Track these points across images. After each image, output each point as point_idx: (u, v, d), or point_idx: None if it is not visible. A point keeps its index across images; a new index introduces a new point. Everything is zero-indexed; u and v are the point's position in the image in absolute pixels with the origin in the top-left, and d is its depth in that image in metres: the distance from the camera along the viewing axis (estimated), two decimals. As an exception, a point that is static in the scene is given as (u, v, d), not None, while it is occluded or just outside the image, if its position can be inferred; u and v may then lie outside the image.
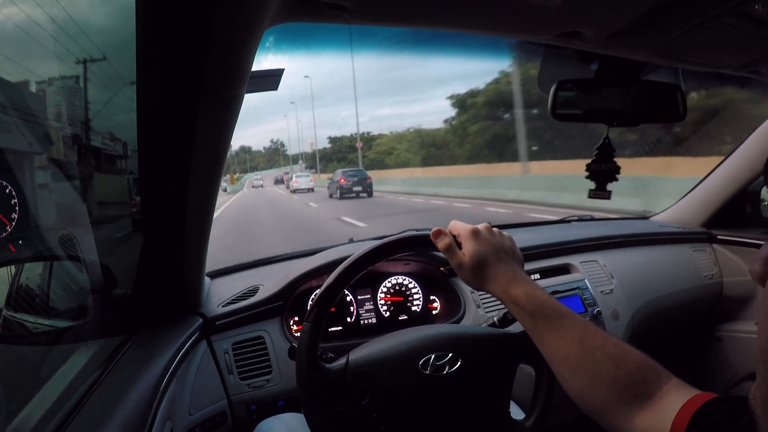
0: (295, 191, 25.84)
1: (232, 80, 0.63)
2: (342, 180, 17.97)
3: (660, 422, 0.50)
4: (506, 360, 0.78)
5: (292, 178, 28.80)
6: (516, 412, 0.96)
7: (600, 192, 0.87)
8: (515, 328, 0.84)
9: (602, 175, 0.86)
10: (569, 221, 2.05)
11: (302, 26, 0.65)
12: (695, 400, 0.49)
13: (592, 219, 2.12)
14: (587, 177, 0.88)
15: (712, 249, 1.74)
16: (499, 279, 0.66)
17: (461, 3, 0.58)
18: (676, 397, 0.51)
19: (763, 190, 1.70)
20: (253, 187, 44.81)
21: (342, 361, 0.75)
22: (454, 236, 0.72)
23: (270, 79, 1.00)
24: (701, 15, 0.61)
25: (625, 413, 0.54)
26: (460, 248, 0.70)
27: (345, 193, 17.47)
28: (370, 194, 17.71)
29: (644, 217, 2.06)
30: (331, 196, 18.83)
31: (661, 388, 0.54)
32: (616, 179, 0.86)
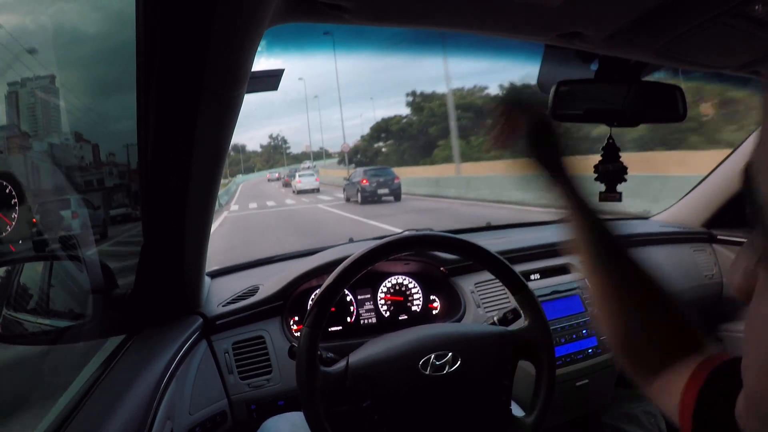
0: (299, 192, 22.74)
1: (232, 80, 0.63)
2: (364, 181, 14.63)
3: (674, 381, 0.48)
4: (506, 357, 0.78)
5: (295, 178, 25.34)
6: (516, 412, 0.96)
7: (611, 194, 0.86)
8: (515, 327, 0.85)
9: (611, 175, 0.86)
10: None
11: (302, 26, 0.65)
12: (707, 362, 0.47)
13: None
14: (596, 179, 0.86)
15: (712, 249, 1.74)
16: (561, 170, 0.61)
17: (461, 3, 0.59)
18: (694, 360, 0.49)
19: None
20: (268, 180, 34.52)
21: (342, 364, 0.75)
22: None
23: (270, 79, 1.00)
24: (701, 15, 0.61)
25: (651, 366, 0.52)
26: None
27: (368, 197, 14.28)
28: (397, 197, 14.53)
29: (644, 217, 2.06)
30: (348, 200, 15.60)
31: (691, 354, 0.51)
32: (625, 180, 0.86)
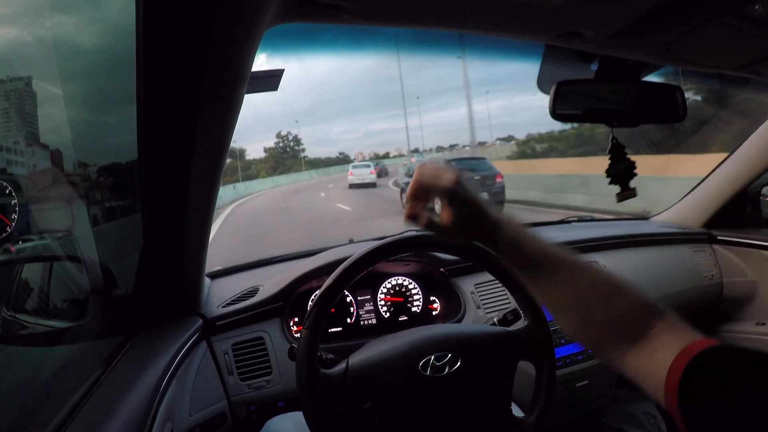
0: (351, 186, 19.12)
1: (232, 80, 0.63)
2: None
3: (652, 362, 0.50)
4: (506, 358, 0.78)
5: (348, 170, 21.12)
6: (516, 413, 0.96)
7: (626, 192, 0.87)
8: (515, 327, 0.84)
9: (622, 175, 0.86)
10: (569, 222, 2.05)
11: (302, 27, 0.65)
12: (691, 348, 0.48)
13: (593, 220, 2.12)
14: (610, 183, 0.87)
15: (712, 249, 1.74)
16: (484, 232, 0.63)
17: (461, 3, 0.59)
18: (671, 340, 0.51)
19: (765, 189, 1.70)
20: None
21: (342, 365, 0.75)
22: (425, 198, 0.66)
23: (270, 80, 1.00)
24: (701, 15, 0.61)
25: (618, 351, 0.54)
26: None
27: None
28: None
29: (644, 218, 2.06)
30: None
31: (653, 327, 0.53)
32: (635, 174, 0.86)
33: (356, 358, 0.76)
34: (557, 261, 0.60)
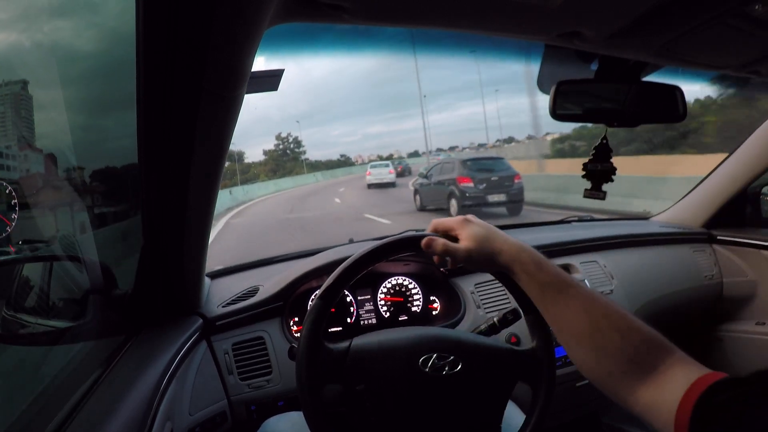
0: (369, 186, 18.84)
1: (232, 80, 0.63)
2: (465, 180, 8.86)
3: (662, 396, 0.50)
4: (506, 374, 0.78)
5: (353, 172, 21.92)
6: (515, 413, 0.96)
7: (595, 192, 0.88)
8: (514, 329, 0.84)
9: (598, 175, 0.87)
10: (569, 222, 2.05)
11: (302, 27, 0.65)
12: (702, 380, 0.48)
13: (593, 219, 2.12)
14: (583, 176, 0.88)
15: (712, 249, 1.74)
16: (507, 248, 0.66)
17: (461, 3, 0.59)
18: (681, 374, 0.51)
19: (765, 189, 1.70)
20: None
21: (345, 344, 0.75)
22: (445, 234, 0.72)
23: (270, 80, 1.00)
24: (701, 15, 0.61)
25: (629, 385, 0.54)
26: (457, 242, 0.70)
27: (472, 207, 8.58)
28: (516, 210, 8.79)
29: (644, 218, 2.06)
30: (423, 208, 10.21)
31: (665, 362, 0.53)
32: (612, 180, 0.87)
33: (361, 341, 0.77)
34: (574, 288, 0.61)
